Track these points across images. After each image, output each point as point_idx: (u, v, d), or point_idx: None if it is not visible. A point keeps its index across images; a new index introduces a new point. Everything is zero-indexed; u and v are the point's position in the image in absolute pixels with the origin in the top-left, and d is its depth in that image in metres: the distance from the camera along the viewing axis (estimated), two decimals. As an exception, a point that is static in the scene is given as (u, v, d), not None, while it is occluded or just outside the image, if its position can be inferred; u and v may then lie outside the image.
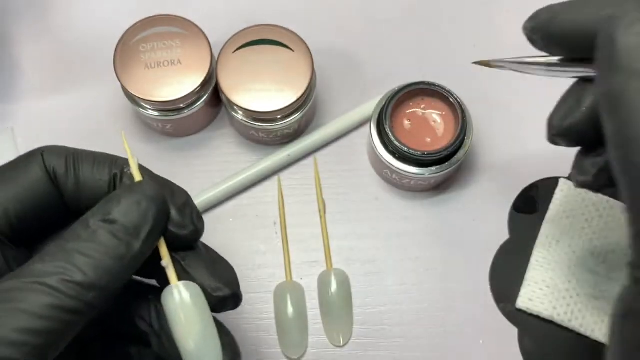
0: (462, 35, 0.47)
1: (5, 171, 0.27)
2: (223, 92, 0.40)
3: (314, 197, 0.43)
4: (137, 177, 0.27)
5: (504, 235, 0.42)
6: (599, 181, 0.27)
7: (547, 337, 0.39)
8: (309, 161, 0.44)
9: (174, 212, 0.27)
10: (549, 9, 0.25)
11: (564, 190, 0.41)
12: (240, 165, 0.43)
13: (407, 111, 0.40)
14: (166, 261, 0.26)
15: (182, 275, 0.27)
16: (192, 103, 0.41)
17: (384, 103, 0.39)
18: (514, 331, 0.40)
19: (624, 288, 0.22)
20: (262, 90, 0.40)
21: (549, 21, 0.25)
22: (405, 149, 0.38)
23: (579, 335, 0.39)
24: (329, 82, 0.45)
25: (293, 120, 0.41)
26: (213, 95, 0.42)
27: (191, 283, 0.26)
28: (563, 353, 0.39)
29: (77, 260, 0.23)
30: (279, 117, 0.40)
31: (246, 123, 0.41)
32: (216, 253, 0.29)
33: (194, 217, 0.27)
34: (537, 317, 0.39)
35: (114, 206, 0.25)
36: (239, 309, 0.41)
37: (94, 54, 0.46)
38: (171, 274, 0.26)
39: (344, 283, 0.40)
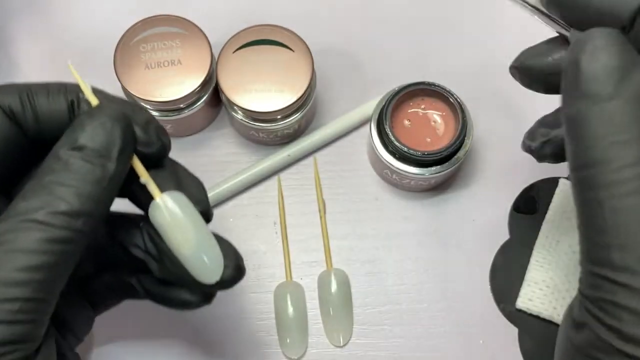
0: (462, 35, 0.47)
1: None
2: (223, 92, 0.40)
3: (314, 197, 0.43)
4: (94, 101, 0.26)
5: (504, 235, 0.42)
6: (543, 150, 0.29)
7: (547, 337, 0.39)
8: (309, 161, 0.44)
9: (138, 131, 0.26)
10: None
11: (564, 191, 0.41)
12: (240, 165, 0.43)
13: (407, 111, 0.40)
14: (144, 178, 0.26)
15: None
16: (192, 103, 0.41)
17: (384, 103, 0.39)
18: (514, 331, 0.40)
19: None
20: (262, 90, 0.40)
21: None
22: (405, 149, 0.38)
23: (579, 335, 0.39)
24: (329, 82, 0.45)
25: (293, 120, 0.41)
26: (213, 95, 0.42)
27: (175, 192, 0.26)
28: (563, 353, 0.39)
29: (58, 192, 0.23)
30: (279, 117, 0.40)
31: (246, 123, 0.41)
32: (185, 169, 0.29)
33: (160, 133, 0.27)
34: (537, 317, 0.39)
35: (79, 133, 0.24)
36: (240, 308, 0.41)
37: (94, 54, 0.45)
38: (153, 188, 0.26)
39: (344, 283, 0.40)
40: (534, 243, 0.41)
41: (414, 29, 0.47)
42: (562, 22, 0.27)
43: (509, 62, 0.30)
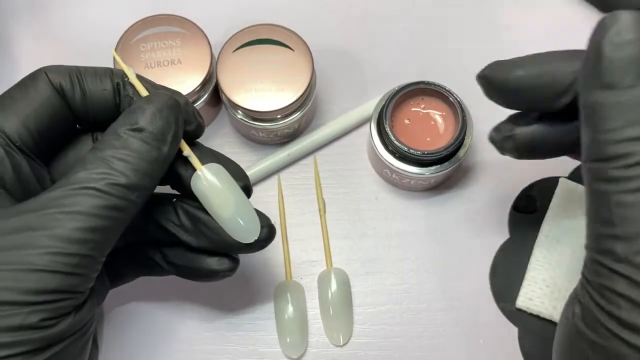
0: (462, 34, 0.47)
1: (14, 93, 0.29)
2: (223, 92, 0.40)
3: (314, 197, 0.43)
4: (139, 87, 0.29)
5: (504, 235, 0.42)
6: (505, 144, 0.30)
7: (547, 337, 0.39)
8: (308, 161, 0.44)
9: None
10: (502, 66, 0.27)
11: (564, 190, 0.41)
12: (241, 165, 0.43)
13: (407, 110, 0.40)
14: (187, 151, 0.29)
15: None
16: (192, 102, 0.41)
17: (384, 103, 0.39)
18: (514, 331, 0.40)
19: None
20: (262, 90, 0.40)
21: (504, 82, 0.27)
22: (405, 149, 0.38)
23: (579, 334, 0.38)
24: (329, 82, 0.45)
25: (293, 120, 0.41)
26: (213, 95, 0.42)
27: (214, 164, 0.30)
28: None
29: (117, 166, 0.26)
30: (279, 116, 0.40)
31: (246, 123, 0.41)
32: (220, 153, 0.32)
33: (196, 114, 0.30)
34: (537, 317, 0.39)
35: (139, 116, 0.27)
36: (239, 309, 0.41)
37: (94, 53, 0.45)
38: (194, 161, 0.29)
39: (344, 283, 0.40)
40: (533, 243, 0.41)
41: (414, 28, 0.47)
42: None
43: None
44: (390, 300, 0.41)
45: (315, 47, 0.41)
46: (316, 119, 0.45)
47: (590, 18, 0.46)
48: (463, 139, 0.39)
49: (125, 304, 0.40)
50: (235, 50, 0.40)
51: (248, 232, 0.30)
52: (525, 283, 0.40)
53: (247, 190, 0.31)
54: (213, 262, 0.31)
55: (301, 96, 0.40)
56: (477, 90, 0.44)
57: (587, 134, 0.23)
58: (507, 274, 0.41)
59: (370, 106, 0.43)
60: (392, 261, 0.41)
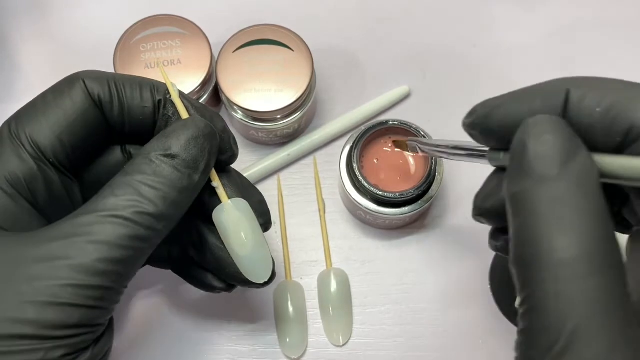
0: (462, 34, 0.47)
1: (49, 99, 0.27)
2: (223, 92, 0.40)
3: (313, 197, 0.43)
4: (180, 107, 0.28)
5: (503, 235, 0.42)
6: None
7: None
8: (308, 161, 0.44)
9: None
10: (485, 104, 0.26)
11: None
12: (240, 165, 0.43)
13: (376, 150, 0.39)
14: (216, 182, 0.29)
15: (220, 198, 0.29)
16: (192, 103, 0.41)
17: (351, 145, 0.38)
18: (513, 331, 0.40)
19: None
20: (262, 90, 0.40)
21: (485, 116, 0.25)
22: (379, 192, 0.37)
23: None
24: (329, 82, 0.45)
25: (293, 120, 0.41)
26: (213, 95, 0.42)
27: (240, 199, 0.29)
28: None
29: (147, 193, 0.25)
30: (278, 117, 0.40)
31: (246, 123, 0.41)
32: (248, 180, 0.31)
33: (232, 142, 0.30)
34: (537, 317, 0.39)
35: (173, 142, 0.26)
36: (239, 309, 0.41)
37: (94, 53, 0.46)
38: (221, 193, 0.29)
39: (344, 283, 0.40)
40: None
41: (414, 29, 0.47)
42: (477, 150, 0.27)
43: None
44: (390, 300, 0.41)
45: (315, 47, 0.41)
46: (316, 119, 0.45)
47: (590, 18, 0.46)
48: (434, 178, 0.38)
49: (122, 302, 0.40)
50: (235, 51, 0.40)
51: (257, 273, 0.30)
52: (525, 283, 0.40)
53: (266, 226, 0.31)
54: (213, 279, 0.31)
55: (301, 96, 0.40)
56: (477, 91, 0.44)
57: (515, 220, 0.23)
58: (507, 274, 0.41)
59: (370, 106, 0.43)
60: (392, 261, 0.41)
